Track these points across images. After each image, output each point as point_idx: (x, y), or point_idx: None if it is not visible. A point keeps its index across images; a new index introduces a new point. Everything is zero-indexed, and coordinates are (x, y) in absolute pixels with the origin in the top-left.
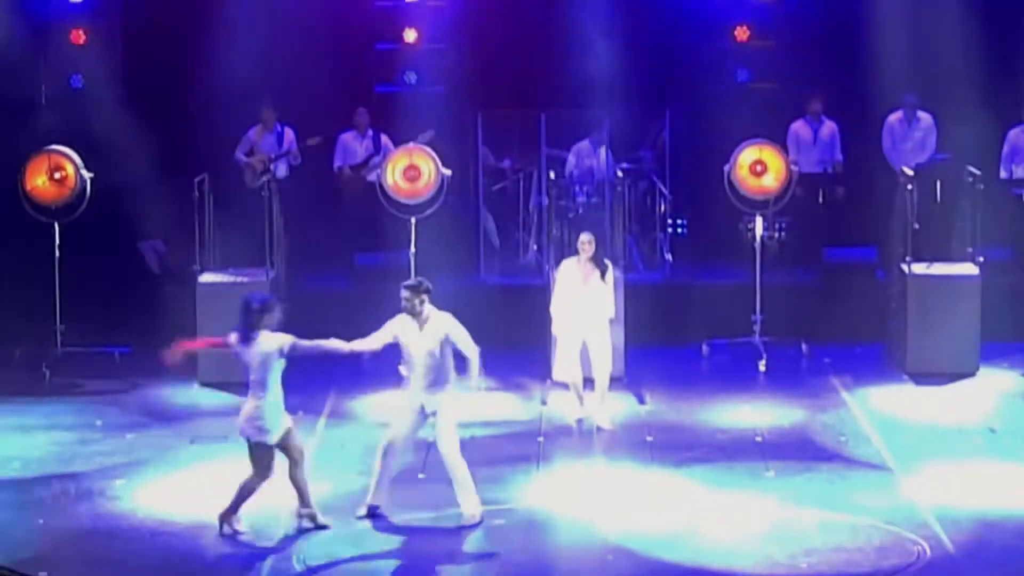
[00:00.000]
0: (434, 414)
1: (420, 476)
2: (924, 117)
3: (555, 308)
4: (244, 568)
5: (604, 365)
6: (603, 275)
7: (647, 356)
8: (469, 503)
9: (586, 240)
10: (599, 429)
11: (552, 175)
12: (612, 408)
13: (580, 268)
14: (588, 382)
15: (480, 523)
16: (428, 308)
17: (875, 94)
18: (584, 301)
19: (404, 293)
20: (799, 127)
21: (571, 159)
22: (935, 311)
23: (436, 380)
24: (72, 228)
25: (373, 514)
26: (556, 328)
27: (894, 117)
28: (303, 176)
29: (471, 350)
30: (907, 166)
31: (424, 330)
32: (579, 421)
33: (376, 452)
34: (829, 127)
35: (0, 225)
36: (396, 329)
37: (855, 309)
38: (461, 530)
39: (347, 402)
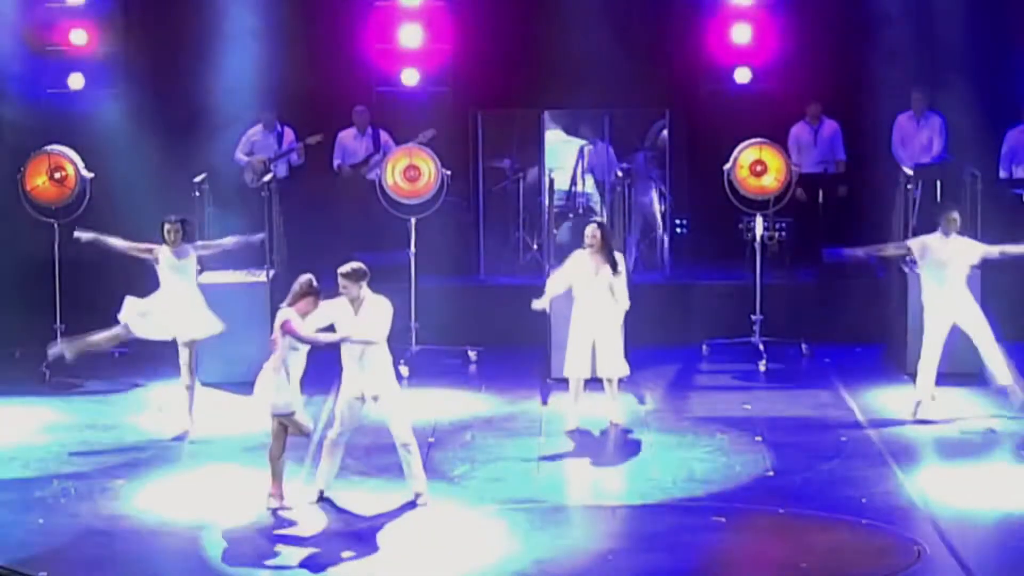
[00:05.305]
0: (375, 398)
1: None
2: (933, 118)
3: (551, 282)
4: (244, 568)
5: (615, 361)
6: (614, 269)
7: (647, 356)
8: (419, 484)
9: (590, 232)
10: (613, 424)
11: (552, 175)
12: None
13: (590, 261)
14: (589, 384)
15: (427, 504)
16: (365, 292)
17: (875, 94)
18: (595, 295)
19: (342, 281)
20: (799, 130)
21: (572, 161)
22: None
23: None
24: (72, 228)
25: (321, 498)
26: (541, 303)
27: (904, 115)
28: (303, 176)
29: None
30: (917, 164)
31: (360, 314)
32: (574, 431)
33: (325, 444)
34: (830, 126)
35: (0, 225)
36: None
37: (855, 309)
38: (462, 529)
39: None
